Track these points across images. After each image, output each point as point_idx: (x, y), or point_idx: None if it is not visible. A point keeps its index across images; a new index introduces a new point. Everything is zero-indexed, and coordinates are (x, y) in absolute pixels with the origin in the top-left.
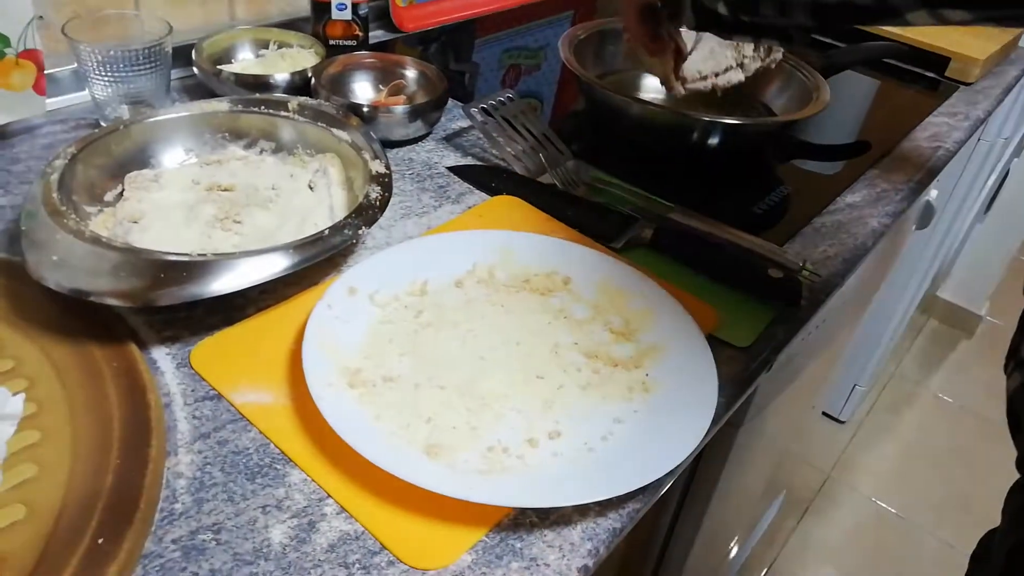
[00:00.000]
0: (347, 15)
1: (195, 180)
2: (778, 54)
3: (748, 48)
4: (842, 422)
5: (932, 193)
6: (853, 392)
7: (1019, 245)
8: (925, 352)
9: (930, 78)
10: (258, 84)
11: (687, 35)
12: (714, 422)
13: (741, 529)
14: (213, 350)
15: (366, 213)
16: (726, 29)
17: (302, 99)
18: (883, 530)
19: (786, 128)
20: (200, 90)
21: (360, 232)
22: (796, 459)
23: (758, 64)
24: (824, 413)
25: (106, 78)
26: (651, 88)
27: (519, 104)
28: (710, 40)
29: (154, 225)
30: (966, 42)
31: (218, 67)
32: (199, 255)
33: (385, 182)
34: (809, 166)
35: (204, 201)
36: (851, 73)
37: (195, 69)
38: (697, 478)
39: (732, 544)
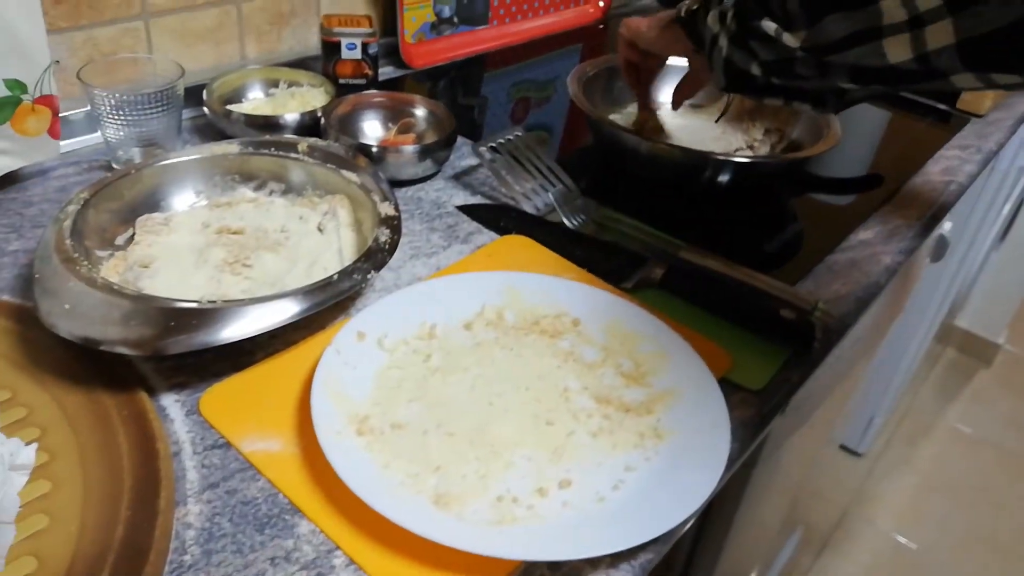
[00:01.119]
0: (356, 54)
1: (205, 223)
2: (786, 142)
3: (759, 132)
4: (859, 455)
5: (946, 226)
6: (871, 424)
7: None
8: (943, 382)
9: (942, 111)
10: (268, 125)
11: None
12: (727, 469)
13: (758, 566)
14: (222, 397)
15: (375, 257)
16: (757, 91)
17: (312, 140)
18: (902, 566)
19: (798, 164)
20: (211, 130)
21: (369, 276)
22: (813, 493)
23: (767, 148)
24: (841, 446)
25: (119, 121)
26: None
27: (528, 140)
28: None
29: (164, 269)
30: None
31: (228, 108)
32: (209, 302)
33: (394, 225)
34: (822, 200)
35: (214, 244)
36: (863, 106)
37: (206, 110)
38: (710, 519)
39: None
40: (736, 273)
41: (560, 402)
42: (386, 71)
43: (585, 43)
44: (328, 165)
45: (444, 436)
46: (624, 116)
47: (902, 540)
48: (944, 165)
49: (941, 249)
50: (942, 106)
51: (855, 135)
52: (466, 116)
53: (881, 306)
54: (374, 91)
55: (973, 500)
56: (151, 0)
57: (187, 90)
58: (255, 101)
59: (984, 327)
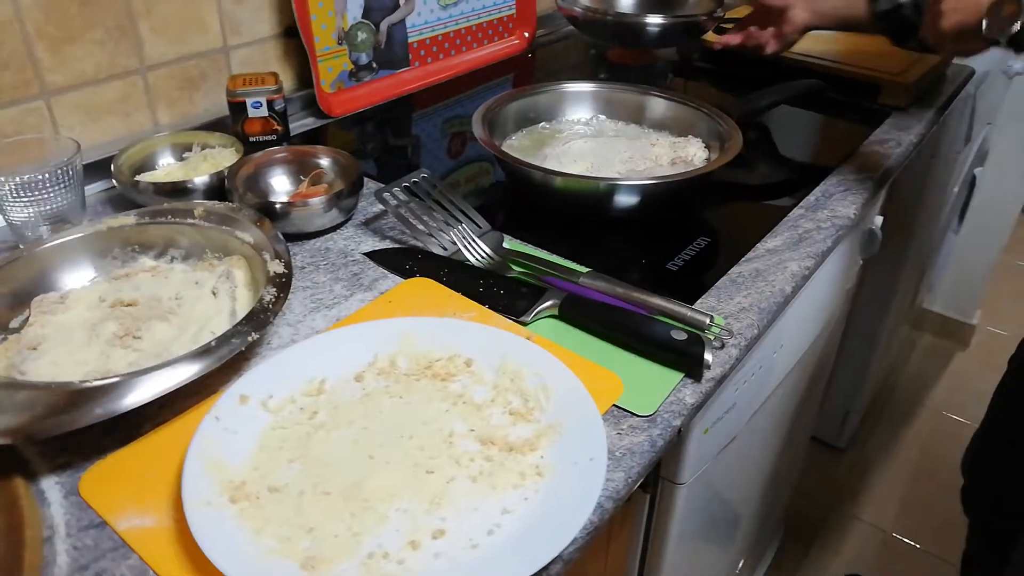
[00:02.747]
0: (263, 112)
1: (102, 297)
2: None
3: (697, 147)
4: (840, 449)
5: (877, 220)
6: (848, 418)
7: (1000, 249)
8: (921, 368)
9: (864, 108)
10: (176, 190)
11: None
12: (616, 501)
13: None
14: (104, 474)
15: (257, 318)
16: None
17: (209, 204)
18: (891, 558)
19: (699, 180)
20: (122, 201)
21: (249, 339)
22: (793, 491)
23: (701, 162)
24: (820, 441)
25: (22, 203)
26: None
27: (435, 180)
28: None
29: (53, 349)
30: (894, 67)
31: (136, 177)
32: (82, 382)
33: (282, 283)
34: (738, 211)
35: (107, 318)
36: (792, 109)
37: (114, 181)
38: (652, 543)
39: None
40: (634, 296)
41: (443, 448)
42: (307, 122)
43: (515, 72)
44: (223, 227)
45: (320, 495)
46: (530, 135)
47: (889, 532)
48: (861, 162)
49: (871, 244)
50: (863, 102)
51: (789, 139)
52: (399, 157)
53: (807, 310)
54: (276, 147)
55: (954, 482)
56: (49, 79)
57: (99, 163)
58: (169, 167)
59: (957, 310)
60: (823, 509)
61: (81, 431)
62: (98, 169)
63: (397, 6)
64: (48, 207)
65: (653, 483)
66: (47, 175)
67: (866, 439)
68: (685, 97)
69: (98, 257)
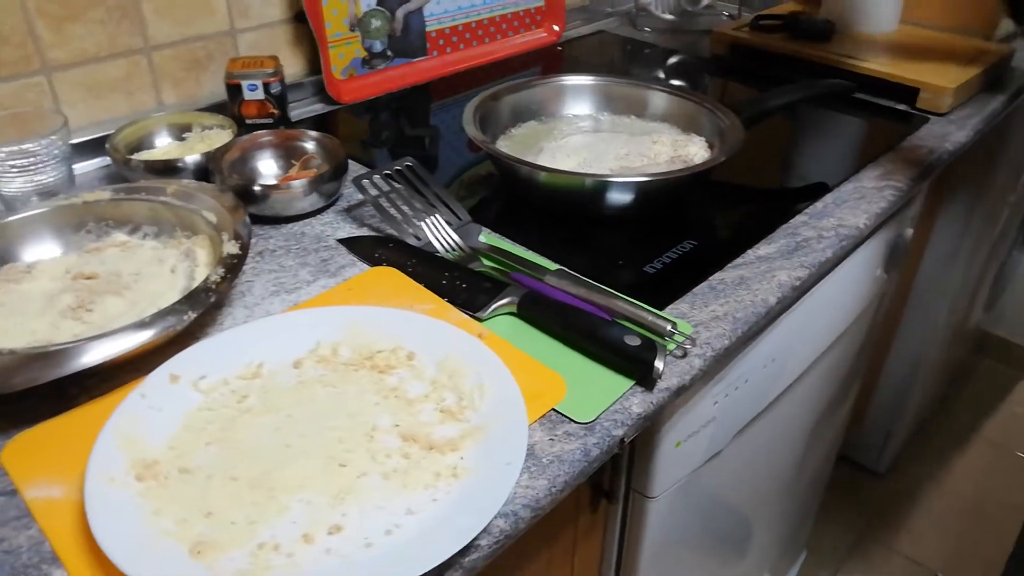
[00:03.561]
0: (259, 95)
1: (68, 269)
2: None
3: (697, 145)
4: (878, 474)
5: (907, 233)
6: (888, 442)
7: None
8: (979, 395)
9: (900, 112)
10: (167, 169)
11: None
12: (529, 507)
13: None
14: (29, 443)
15: (197, 297)
16: None
17: (183, 183)
18: None
19: (692, 178)
20: (118, 178)
21: (185, 318)
22: (821, 512)
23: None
24: (856, 463)
25: (8, 175)
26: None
27: (417, 168)
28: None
29: (7, 318)
30: (938, 70)
31: (129, 155)
32: (9, 352)
33: (232, 264)
34: (732, 215)
35: (66, 290)
36: (820, 110)
37: (109, 159)
38: (626, 555)
39: None
40: (597, 296)
41: (363, 442)
42: (315, 108)
43: (543, 65)
44: (191, 206)
45: (227, 481)
46: (527, 130)
47: (924, 566)
48: (885, 168)
49: (896, 257)
50: (901, 107)
51: (812, 142)
52: (416, 147)
53: (817, 324)
54: (262, 131)
55: (1010, 524)
56: (51, 56)
57: (101, 139)
58: (166, 147)
59: (1023, 335)
60: (855, 535)
61: (18, 398)
62: (99, 146)
63: None
64: (37, 180)
65: (625, 495)
66: (34, 147)
67: (908, 466)
68: (689, 92)
69: (72, 231)
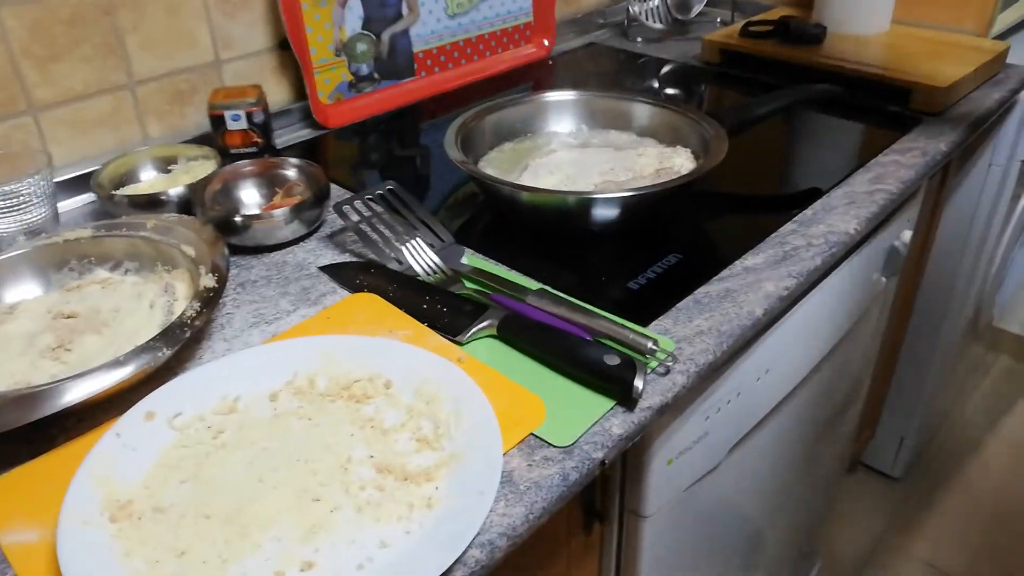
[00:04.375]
0: (242, 124)
1: (49, 309)
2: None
3: (682, 157)
4: (894, 479)
5: (905, 235)
6: (903, 446)
7: None
8: (996, 394)
9: (891, 113)
10: (151, 203)
11: None
12: (506, 536)
13: None
14: (7, 486)
15: (172, 334)
16: None
17: (163, 217)
18: None
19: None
20: (103, 214)
21: (159, 355)
22: (835, 522)
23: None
24: (873, 468)
25: None
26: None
27: (400, 192)
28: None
29: None
30: (931, 69)
31: (113, 191)
32: None
33: (208, 298)
34: (720, 226)
35: (47, 330)
36: (809, 114)
37: (93, 195)
38: (623, 573)
39: None
40: (578, 316)
41: (337, 475)
42: (302, 134)
43: (535, 80)
44: (171, 240)
45: (200, 519)
46: (513, 148)
47: (943, 571)
48: (875, 172)
49: (894, 262)
50: (893, 107)
51: (808, 147)
52: (406, 168)
53: (810, 332)
54: (243, 161)
55: None
56: (37, 96)
57: (87, 176)
58: (151, 180)
59: None
60: (872, 542)
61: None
62: (86, 182)
63: (399, 16)
64: (23, 219)
65: (619, 516)
66: (21, 188)
67: (925, 470)
68: (673, 104)
69: (54, 269)
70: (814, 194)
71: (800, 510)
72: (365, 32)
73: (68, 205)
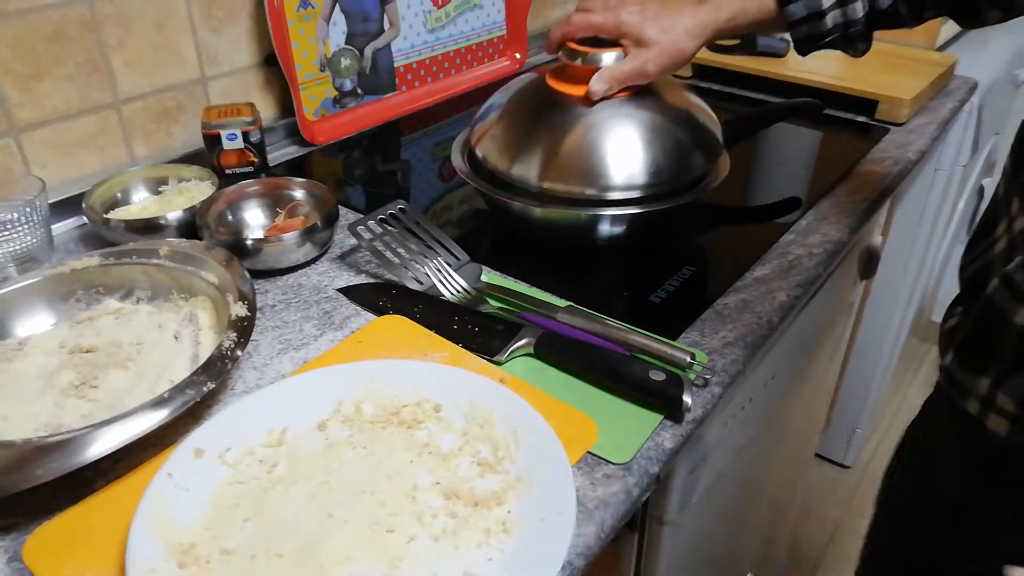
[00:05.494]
0: (238, 144)
1: (62, 343)
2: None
3: None
4: (847, 467)
5: (876, 240)
6: (854, 436)
7: None
8: (929, 381)
9: (862, 124)
10: (149, 227)
11: None
12: (582, 556)
13: None
14: (51, 537)
15: (214, 366)
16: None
17: (175, 242)
18: None
19: (687, 208)
20: (94, 238)
21: (205, 389)
22: (799, 513)
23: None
24: (827, 459)
25: None
26: None
27: (412, 211)
28: None
29: (4, 402)
30: (893, 82)
31: (107, 214)
32: (24, 441)
33: (243, 327)
34: (728, 237)
35: (65, 366)
36: (788, 127)
37: (85, 219)
38: None
39: None
40: (613, 332)
41: (406, 504)
42: (289, 151)
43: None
44: (188, 268)
45: (273, 558)
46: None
47: None
48: (857, 182)
49: (871, 265)
50: (861, 119)
51: (790, 159)
52: (389, 183)
53: (801, 335)
54: (248, 181)
55: None
56: (19, 116)
57: (73, 199)
58: (143, 202)
59: None
60: (832, 527)
61: (31, 489)
62: (71, 205)
63: (382, 31)
64: (14, 247)
65: (640, 523)
66: (12, 215)
67: (873, 456)
68: None
69: (60, 301)
70: (795, 204)
71: (779, 504)
72: (348, 47)
73: (55, 231)
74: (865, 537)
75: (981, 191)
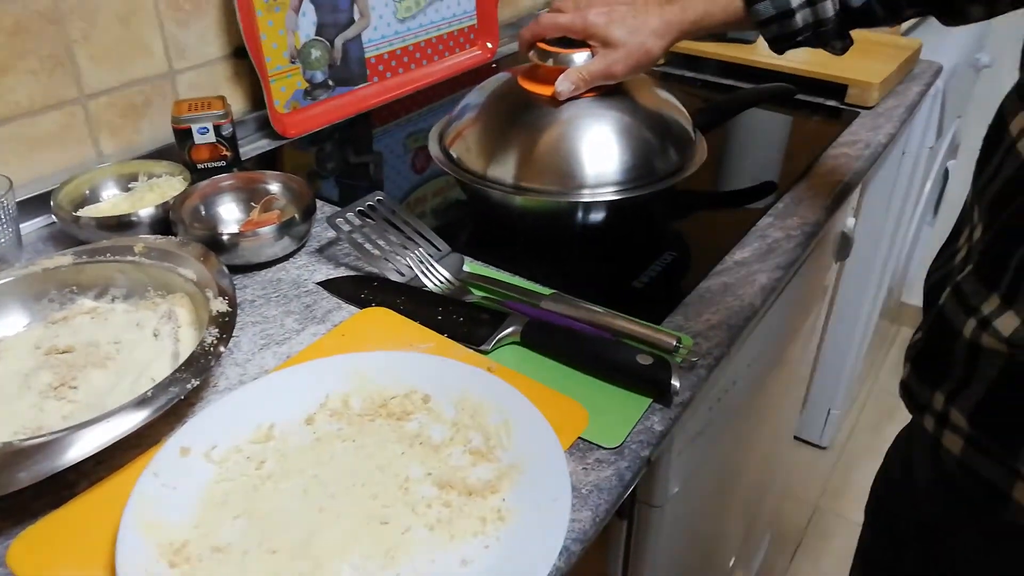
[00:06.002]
0: (210, 138)
1: (37, 344)
2: None
3: None
4: (824, 448)
5: (849, 223)
6: (830, 416)
7: None
8: (900, 363)
9: (832, 109)
10: (121, 224)
11: None
12: (578, 541)
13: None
14: (35, 541)
15: (198, 363)
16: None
17: (150, 239)
18: None
19: (667, 193)
20: (64, 237)
21: (189, 387)
22: (778, 495)
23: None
24: (804, 440)
25: None
26: None
27: (390, 202)
28: None
29: None
30: (862, 67)
31: (76, 212)
32: (5, 444)
33: (224, 322)
34: (707, 221)
35: (42, 367)
36: (761, 113)
37: (54, 217)
38: (632, 566)
39: None
40: (598, 318)
41: (399, 495)
42: (260, 145)
43: (480, 83)
44: (165, 264)
45: (266, 554)
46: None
47: None
48: (831, 165)
49: (845, 248)
50: (831, 103)
51: (764, 143)
52: (361, 176)
53: (780, 318)
54: (223, 175)
55: None
56: None
57: (38, 198)
58: (113, 199)
59: None
60: (811, 509)
61: (14, 492)
62: (38, 204)
63: (352, 21)
64: None
65: (629, 508)
66: None
67: (849, 436)
68: None
69: (33, 301)
70: (769, 187)
71: (761, 486)
72: (318, 38)
73: (21, 230)
74: (856, 545)
75: (946, 173)
